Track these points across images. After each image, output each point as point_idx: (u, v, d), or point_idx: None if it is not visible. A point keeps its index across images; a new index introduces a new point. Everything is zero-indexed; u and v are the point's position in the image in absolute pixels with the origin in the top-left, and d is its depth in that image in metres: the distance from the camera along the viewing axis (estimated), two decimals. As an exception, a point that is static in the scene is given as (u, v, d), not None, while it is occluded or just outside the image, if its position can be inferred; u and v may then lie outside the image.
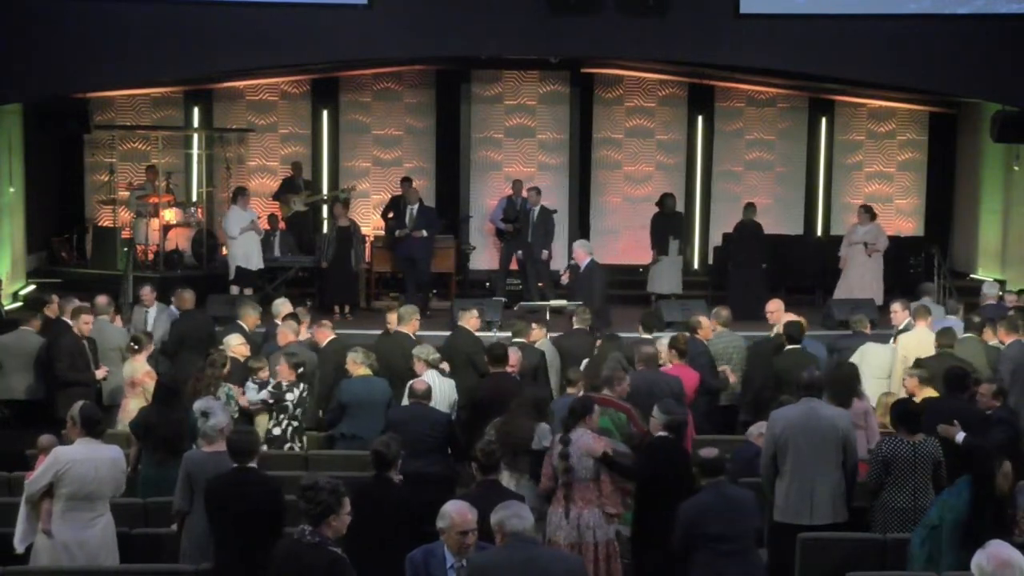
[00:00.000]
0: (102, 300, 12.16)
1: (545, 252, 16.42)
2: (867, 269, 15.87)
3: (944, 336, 10.86)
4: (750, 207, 16.32)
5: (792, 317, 11.60)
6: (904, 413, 8.19)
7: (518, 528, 5.64)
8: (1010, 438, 8.74)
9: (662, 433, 8.09)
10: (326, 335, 11.42)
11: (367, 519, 6.99)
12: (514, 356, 10.17)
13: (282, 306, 11.99)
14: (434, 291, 16.54)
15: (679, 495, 7.40)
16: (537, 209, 16.42)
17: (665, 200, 16.86)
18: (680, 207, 17.36)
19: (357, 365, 10.11)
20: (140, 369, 10.72)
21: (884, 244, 15.99)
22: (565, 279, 14.32)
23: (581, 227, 18.25)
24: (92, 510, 7.35)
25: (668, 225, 16.63)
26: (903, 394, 9.96)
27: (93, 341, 11.43)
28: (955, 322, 12.08)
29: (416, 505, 7.23)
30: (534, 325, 11.61)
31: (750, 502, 7.25)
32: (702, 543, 7.05)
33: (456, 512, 5.86)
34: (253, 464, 7.02)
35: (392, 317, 11.79)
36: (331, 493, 5.83)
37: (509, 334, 11.66)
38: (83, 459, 7.30)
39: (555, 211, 16.80)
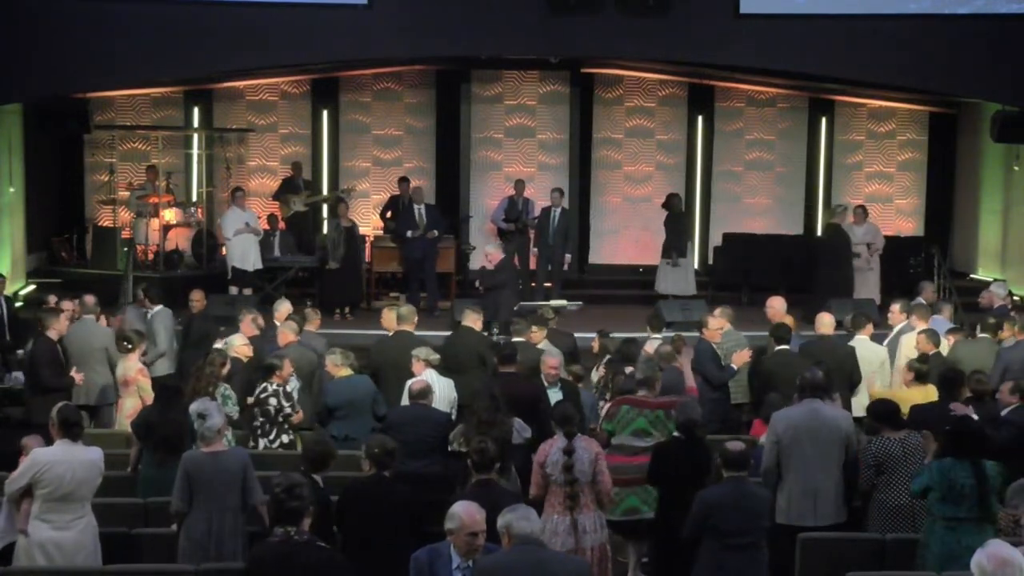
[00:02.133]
0: (90, 300, 12.11)
1: (568, 256, 16.49)
2: (868, 269, 15.89)
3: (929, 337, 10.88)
4: (842, 209, 16.15)
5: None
6: (885, 412, 8.21)
7: (525, 531, 5.61)
8: (1015, 438, 8.69)
9: (676, 434, 8.27)
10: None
11: (365, 519, 6.99)
12: (555, 359, 9.86)
13: (282, 306, 11.97)
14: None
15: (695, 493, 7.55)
16: (559, 211, 16.46)
17: (672, 200, 16.81)
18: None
19: (338, 367, 10.06)
20: (132, 368, 10.71)
21: (881, 243, 16.04)
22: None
23: (581, 227, 18.25)
24: (71, 512, 7.36)
25: (682, 225, 16.56)
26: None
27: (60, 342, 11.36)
28: (942, 321, 12.08)
29: (415, 504, 7.25)
30: (534, 327, 11.57)
31: (764, 502, 7.35)
32: (712, 533, 7.14)
33: (466, 513, 5.82)
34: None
35: (388, 319, 11.68)
36: (309, 489, 5.86)
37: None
38: (60, 460, 7.31)
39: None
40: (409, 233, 16.03)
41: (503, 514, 5.69)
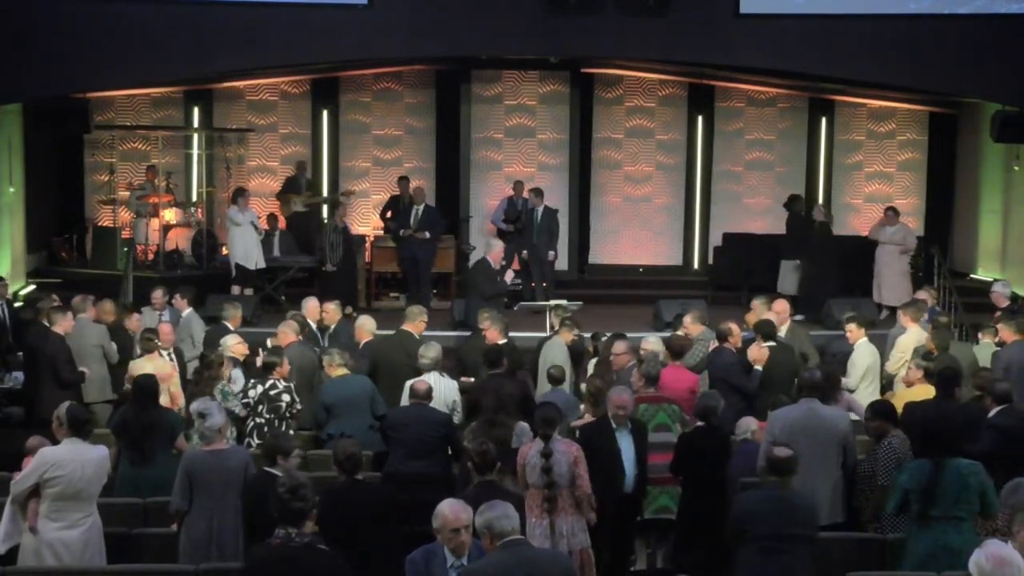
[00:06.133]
0: (77, 299, 12.12)
1: (551, 253, 16.49)
2: (896, 270, 15.93)
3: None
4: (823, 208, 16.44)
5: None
6: (892, 412, 8.26)
7: (507, 529, 5.57)
8: (995, 443, 8.44)
9: (699, 423, 8.52)
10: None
11: (342, 523, 6.92)
12: (623, 396, 8.88)
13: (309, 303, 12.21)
14: (434, 291, 16.58)
15: (716, 481, 7.91)
16: (540, 210, 16.47)
17: (795, 202, 16.66)
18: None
19: (334, 366, 10.08)
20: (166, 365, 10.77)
21: (913, 243, 16.12)
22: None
23: (581, 227, 18.25)
24: (79, 510, 7.35)
25: (805, 226, 16.48)
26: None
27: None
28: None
29: (397, 506, 7.29)
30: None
31: (808, 509, 7.14)
32: (750, 537, 7.01)
33: (449, 510, 5.82)
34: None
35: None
36: (312, 490, 5.80)
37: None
38: (70, 459, 7.30)
39: (556, 210, 16.80)
40: (402, 232, 16.11)
41: (480, 513, 5.63)
